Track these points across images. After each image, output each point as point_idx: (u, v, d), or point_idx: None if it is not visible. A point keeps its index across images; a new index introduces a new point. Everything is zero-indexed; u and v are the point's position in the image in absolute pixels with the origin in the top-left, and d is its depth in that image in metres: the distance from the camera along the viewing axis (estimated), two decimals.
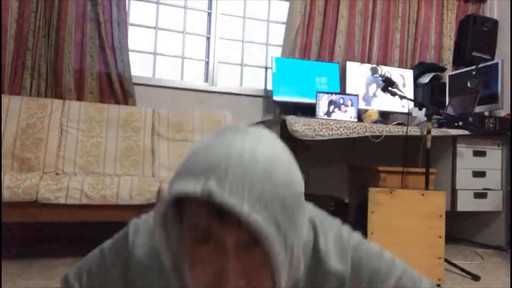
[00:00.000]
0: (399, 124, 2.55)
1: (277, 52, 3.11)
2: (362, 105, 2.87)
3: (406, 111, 2.84)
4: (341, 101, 2.59)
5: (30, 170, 2.17)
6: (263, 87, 3.08)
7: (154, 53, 2.90)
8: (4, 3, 2.36)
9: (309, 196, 0.53)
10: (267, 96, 2.99)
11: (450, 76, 3.09)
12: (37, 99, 2.37)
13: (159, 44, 2.91)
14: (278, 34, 3.15)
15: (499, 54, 3.22)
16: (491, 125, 2.57)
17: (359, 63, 3.03)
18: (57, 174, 2.20)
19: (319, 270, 0.60)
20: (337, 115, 2.56)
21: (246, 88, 3.04)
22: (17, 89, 2.40)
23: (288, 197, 0.47)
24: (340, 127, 2.24)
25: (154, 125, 2.55)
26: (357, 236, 0.65)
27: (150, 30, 2.90)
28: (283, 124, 2.22)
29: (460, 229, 2.90)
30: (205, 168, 0.45)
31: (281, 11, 3.16)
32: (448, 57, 3.39)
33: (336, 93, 2.64)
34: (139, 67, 2.82)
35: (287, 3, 3.05)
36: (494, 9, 3.51)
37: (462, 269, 2.05)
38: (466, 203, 2.58)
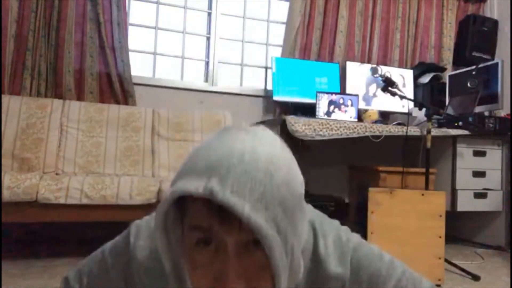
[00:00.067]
0: (399, 124, 2.55)
1: (277, 52, 3.11)
2: (362, 105, 2.87)
3: (406, 111, 2.84)
4: (341, 101, 2.59)
5: (30, 170, 2.17)
6: (263, 87, 3.07)
7: (154, 53, 2.90)
8: (4, 3, 2.36)
9: (309, 196, 0.53)
10: (267, 96, 2.99)
11: (450, 76, 3.09)
12: (37, 99, 2.37)
13: (159, 44, 2.91)
14: (278, 34, 3.15)
15: (499, 54, 3.22)
16: (491, 125, 2.57)
17: (359, 63, 3.03)
18: (57, 174, 2.20)
19: (319, 274, 0.60)
20: (337, 115, 2.56)
21: (246, 88, 3.04)
22: (17, 89, 2.40)
23: (288, 198, 0.47)
24: (340, 127, 2.24)
25: (154, 125, 2.55)
26: (356, 237, 0.65)
27: (150, 30, 2.90)
28: (283, 124, 2.22)
29: (460, 229, 2.90)
30: (206, 167, 0.46)
31: (281, 11, 3.16)
32: (448, 57, 3.39)
33: (336, 93, 2.64)
34: (139, 67, 2.82)
35: (287, 3, 3.05)
36: (494, 9, 3.51)
37: (462, 269, 2.05)
38: (466, 203, 2.58)
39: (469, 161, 2.62)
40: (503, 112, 2.87)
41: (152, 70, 2.89)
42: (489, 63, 2.87)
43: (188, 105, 2.78)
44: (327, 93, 2.62)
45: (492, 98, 2.74)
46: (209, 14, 3.02)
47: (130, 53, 2.65)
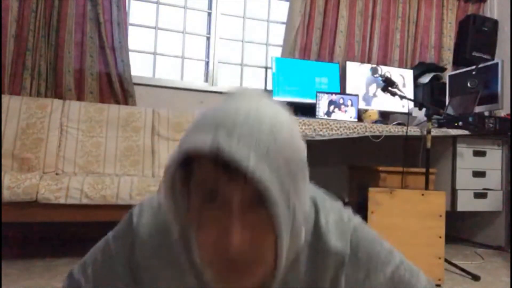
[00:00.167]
0: (399, 124, 2.55)
1: (277, 52, 3.11)
2: (362, 105, 2.87)
3: (406, 111, 2.84)
4: (341, 101, 2.59)
5: (30, 170, 2.17)
6: (263, 87, 3.08)
7: (154, 53, 2.90)
8: (4, 3, 2.36)
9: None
10: None
11: (450, 76, 3.09)
12: (37, 99, 2.37)
13: (159, 44, 2.91)
14: (278, 34, 3.15)
15: (499, 54, 3.22)
16: (491, 125, 2.57)
17: (359, 63, 3.03)
18: (57, 174, 2.20)
19: (319, 248, 0.60)
20: (337, 115, 2.56)
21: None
22: (17, 89, 2.40)
23: (291, 161, 0.48)
24: (340, 127, 2.24)
25: (154, 125, 2.55)
26: (358, 219, 0.65)
27: (150, 30, 2.90)
28: None
29: (460, 229, 2.91)
30: (213, 124, 0.47)
31: (281, 11, 3.16)
32: (448, 57, 3.39)
33: (336, 93, 2.64)
34: (139, 67, 2.83)
35: (287, 3, 3.05)
36: (494, 9, 3.51)
37: (462, 269, 2.05)
38: (466, 203, 2.58)
39: (469, 161, 2.62)
40: (503, 112, 2.87)
41: (152, 70, 2.89)
42: (489, 63, 2.87)
43: (188, 105, 2.78)
44: (327, 93, 2.62)
45: (492, 98, 2.74)
46: (209, 14, 3.03)
47: (130, 53, 2.65)
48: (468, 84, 2.85)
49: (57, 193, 1.82)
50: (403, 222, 1.85)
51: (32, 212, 1.83)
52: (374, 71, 2.75)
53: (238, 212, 0.47)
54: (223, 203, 0.47)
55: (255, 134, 0.46)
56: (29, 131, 2.27)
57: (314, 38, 3.06)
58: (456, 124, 2.56)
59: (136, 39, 2.84)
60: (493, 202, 2.65)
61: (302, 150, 0.52)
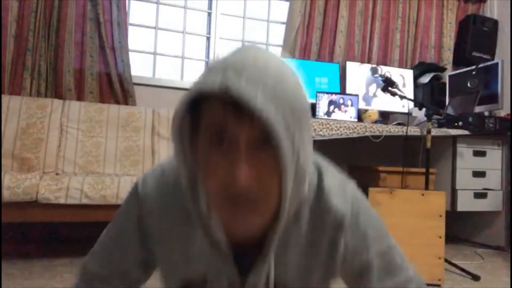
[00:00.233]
0: (399, 124, 2.55)
1: (277, 52, 3.10)
2: (362, 105, 2.87)
3: (406, 111, 2.84)
4: (341, 101, 2.59)
5: (30, 170, 2.17)
6: None
7: (154, 53, 2.90)
8: (4, 3, 2.36)
9: None
10: None
11: (450, 76, 3.08)
12: (37, 99, 2.37)
13: (159, 44, 2.91)
14: (278, 34, 3.15)
15: (499, 54, 3.22)
16: (491, 125, 2.56)
17: (359, 63, 3.03)
18: (57, 174, 2.20)
19: (321, 205, 0.61)
20: (337, 115, 2.56)
21: None
22: (17, 89, 2.40)
23: (296, 106, 0.50)
24: (340, 127, 2.24)
25: (154, 125, 2.55)
26: (361, 193, 0.67)
27: (150, 30, 2.90)
28: None
29: (460, 229, 2.90)
30: (222, 67, 0.49)
31: (281, 11, 3.16)
32: (448, 57, 3.39)
33: (336, 93, 2.64)
34: (139, 67, 2.82)
35: (287, 3, 3.05)
36: (494, 9, 3.51)
37: (462, 269, 2.05)
38: (466, 203, 2.58)
39: (469, 161, 2.62)
40: (503, 112, 2.87)
41: (152, 70, 2.89)
42: (489, 63, 2.87)
43: None
44: (327, 93, 2.62)
45: (492, 98, 2.74)
46: (209, 14, 3.03)
47: (130, 53, 2.65)
48: (468, 84, 2.85)
49: (57, 193, 1.82)
50: (403, 222, 1.85)
51: (32, 212, 1.82)
52: (374, 71, 2.75)
53: (245, 150, 0.48)
54: (231, 143, 0.49)
55: (262, 76, 0.48)
56: (29, 131, 2.27)
57: (314, 38, 3.06)
58: (456, 124, 2.56)
59: (136, 39, 2.84)
60: (493, 202, 2.65)
61: (307, 101, 0.53)
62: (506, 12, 3.32)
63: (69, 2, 2.49)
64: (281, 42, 3.06)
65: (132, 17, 2.84)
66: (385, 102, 2.95)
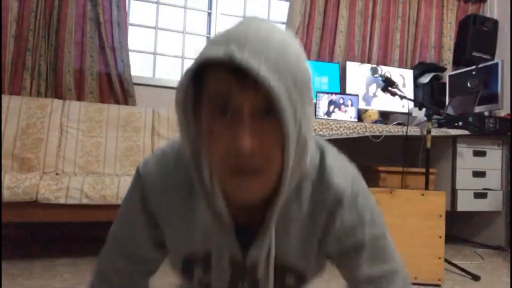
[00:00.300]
0: (399, 124, 2.55)
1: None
2: (362, 105, 2.87)
3: (406, 111, 2.84)
4: (341, 101, 2.59)
5: (30, 170, 2.17)
6: None
7: (154, 53, 2.90)
8: (4, 3, 2.36)
9: None
10: None
11: (450, 76, 3.09)
12: (37, 99, 2.37)
13: (159, 44, 2.91)
14: None
15: (499, 54, 3.22)
16: (491, 125, 2.57)
17: (359, 63, 3.03)
18: (57, 174, 2.20)
19: (322, 184, 0.62)
20: (337, 115, 2.56)
21: None
22: (17, 89, 2.40)
23: (299, 78, 0.50)
24: (340, 127, 2.24)
25: (154, 125, 2.55)
26: (361, 177, 0.67)
27: (150, 30, 2.90)
28: None
29: (460, 229, 2.90)
30: (225, 39, 0.49)
31: (281, 11, 3.16)
32: (448, 57, 3.39)
33: (336, 93, 2.64)
34: (139, 67, 2.82)
35: (287, 3, 3.05)
36: (494, 9, 3.51)
37: (462, 269, 2.05)
38: (466, 203, 2.58)
39: (469, 161, 2.62)
40: (503, 112, 2.87)
41: (152, 70, 2.89)
42: (489, 63, 2.87)
43: None
44: (327, 93, 2.62)
45: (492, 98, 2.74)
46: (209, 14, 3.03)
47: (130, 53, 2.65)
48: (468, 84, 2.85)
49: (57, 193, 1.82)
50: (403, 222, 1.85)
51: (32, 212, 1.82)
52: (374, 71, 2.75)
53: (248, 120, 0.48)
54: (234, 112, 0.49)
55: (265, 48, 0.48)
56: (29, 131, 2.27)
57: (314, 38, 3.06)
58: (456, 124, 2.56)
59: (136, 39, 2.84)
60: (493, 202, 2.65)
61: (309, 74, 0.54)
62: (506, 12, 3.32)
63: (69, 2, 2.49)
64: None
65: (132, 17, 2.84)
66: (385, 102, 2.95)
